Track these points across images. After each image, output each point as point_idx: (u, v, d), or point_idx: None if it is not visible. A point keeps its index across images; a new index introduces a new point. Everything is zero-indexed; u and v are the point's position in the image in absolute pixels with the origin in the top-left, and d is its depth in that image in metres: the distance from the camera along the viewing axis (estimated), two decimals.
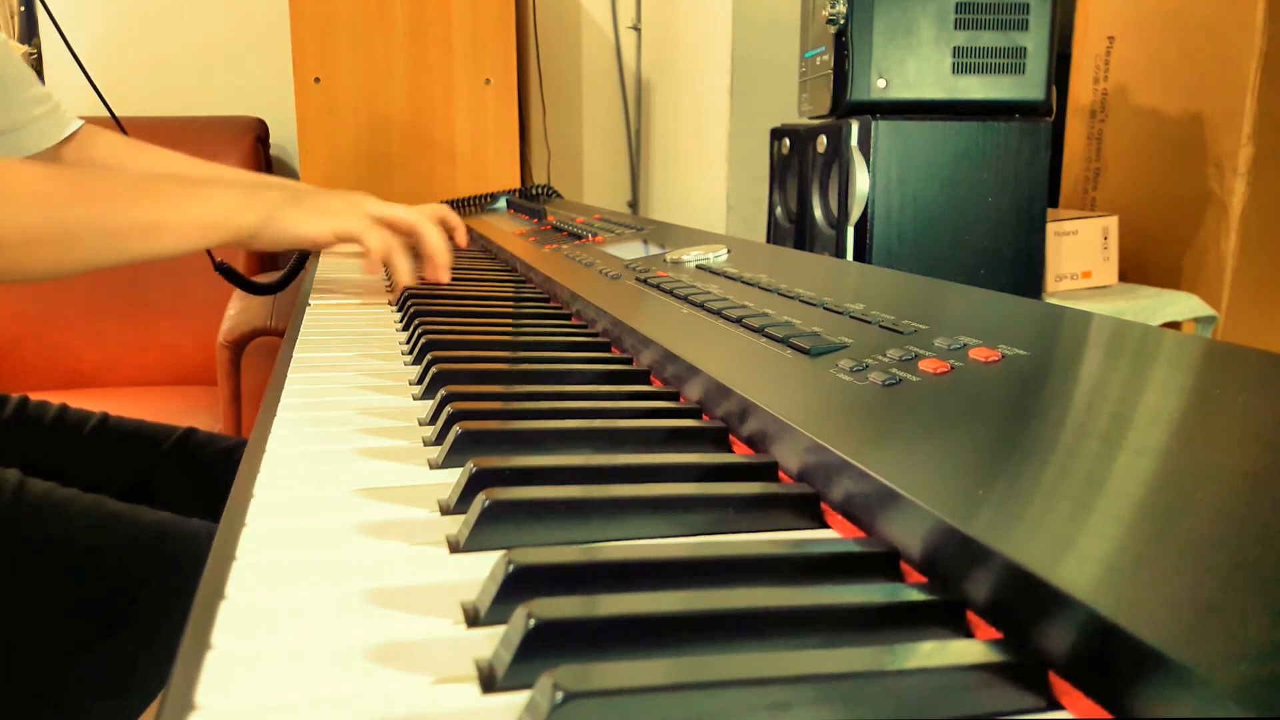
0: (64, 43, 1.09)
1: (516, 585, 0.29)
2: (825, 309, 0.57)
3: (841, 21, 1.27)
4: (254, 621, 0.29)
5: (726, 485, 0.39)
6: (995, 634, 0.28)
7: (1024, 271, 1.33)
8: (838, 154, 1.31)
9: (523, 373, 0.58)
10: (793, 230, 1.46)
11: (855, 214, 1.28)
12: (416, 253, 0.89)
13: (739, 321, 0.58)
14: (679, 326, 0.61)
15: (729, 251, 0.82)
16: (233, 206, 0.78)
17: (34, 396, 0.93)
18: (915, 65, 1.28)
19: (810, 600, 0.28)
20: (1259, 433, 0.32)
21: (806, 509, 0.38)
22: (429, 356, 0.59)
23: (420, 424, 0.50)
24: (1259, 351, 0.38)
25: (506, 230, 1.39)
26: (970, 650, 0.26)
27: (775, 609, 0.28)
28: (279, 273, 1.18)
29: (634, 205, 2.34)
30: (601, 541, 0.35)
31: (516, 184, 2.03)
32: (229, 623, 0.29)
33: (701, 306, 0.64)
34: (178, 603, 0.38)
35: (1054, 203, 1.66)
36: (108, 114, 1.13)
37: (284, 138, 2.17)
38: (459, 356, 0.61)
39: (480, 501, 0.34)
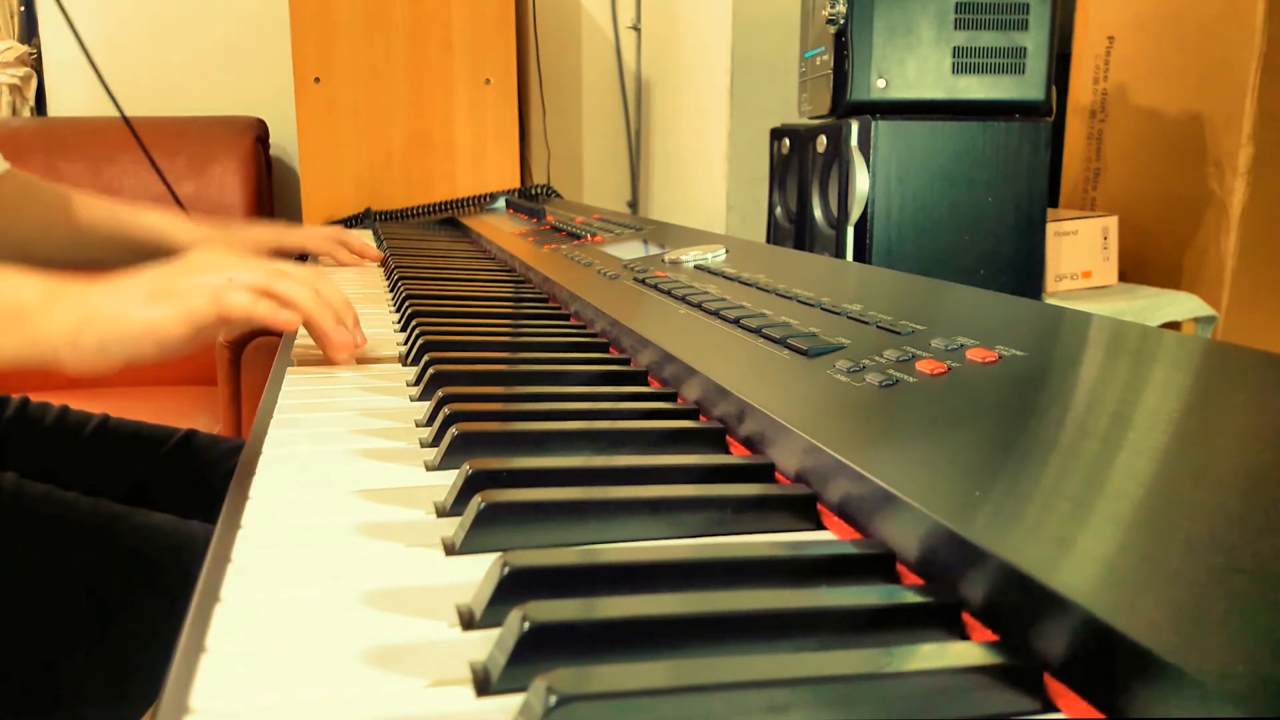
0: (78, 42, 1.09)
1: (512, 587, 0.29)
2: (823, 309, 0.57)
3: (841, 21, 1.27)
4: (249, 623, 0.29)
5: (723, 487, 0.39)
6: (991, 636, 0.28)
7: (1024, 271, 1.33)
8: (837, 154, 1.30)
9: (520, 373, 0.58)
10: (792, 230, 1.46)
11: (855, 214, 1.28)
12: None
13: (737, 322, 0.58)
14: (677, 327, 0.61)
15: (727, 252, 0.82)
16: (39, 300, 0.57)
17: (34, 398, 0.92)
18: (915, 65, 1.28)
19: (807, 602, 0.28)
20: (1259, 433, 0.32)
21: (803, 510, 0.38)
22: (426, 357, 0.59)
23: (417, 425, 0.50)
24: (1259, 351, 0.37)
25: (506, 230, 1.39)
26: (966, 652, 0.26)
27: (772, 611, 0.28)
28: None
29: (634, 205, 2.34)
30: (598, 543, 0.35)
31: (516, 184, 2.03)
32: (224, 625, 0.28)
33: (699, 307, 0.63)
34: (176, 606, 0.37)
35: (1054, 203, 1.66)
36: (116, 112, 1.13)
37: (284, 138, 2.17)
38: (456, 357, 0.61)
39: (476, 503, 0.34)
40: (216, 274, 0.59)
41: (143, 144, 1.23)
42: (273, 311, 0.59)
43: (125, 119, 1.14)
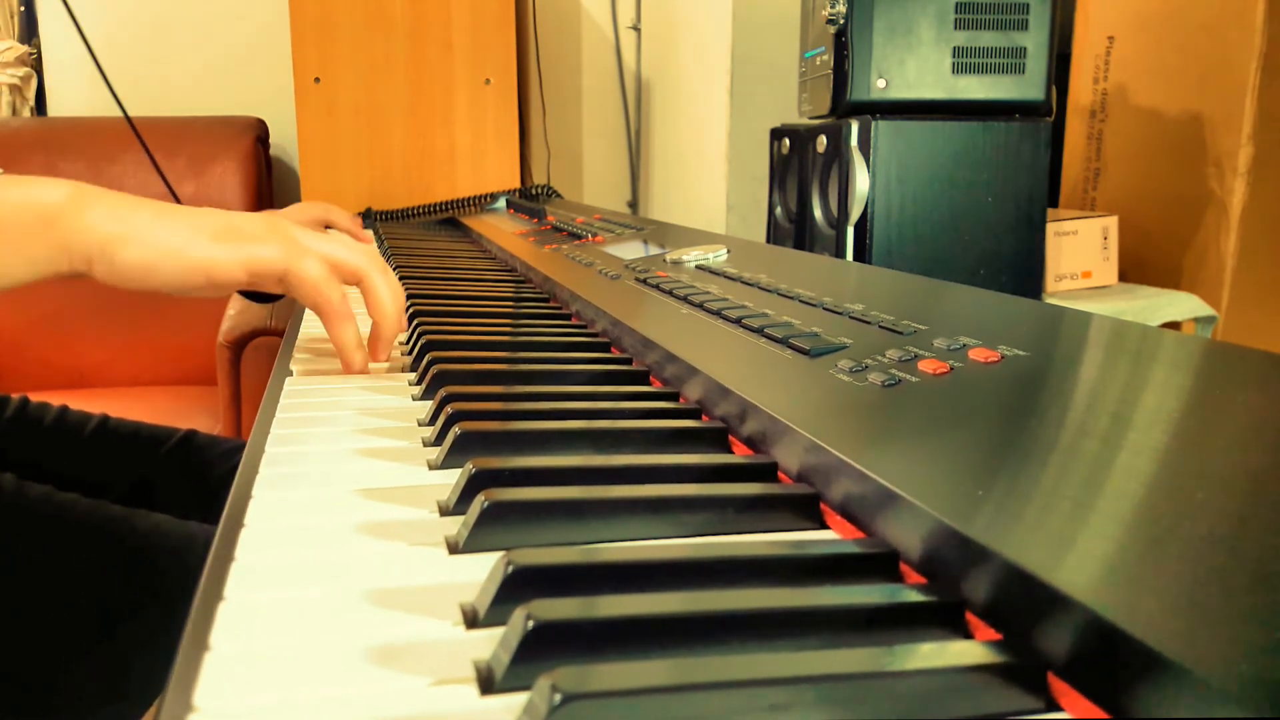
0: (83, 41, 1.09)
1: (516, 586, 0.29)
2: (825, 309, 0.57)
3: (841, 21, 1.27)
4: (253, 622, 0.29)
5: (726, 486, 0.38)
6: (994, 635, 0.28)
7: (1024, 271, 1.33)
8: (838, 154, 1.30)
9: (522, 373, 0.58)
10: (793, 230, 1.46)
11: (855, 214, 1.28)
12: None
13: (738, 322, 0.58)
14: (678, 327, 0.61)
15: (728, 251, 0.82)
16: (68, 201, 0.52)
17: (34, 397, 0.92)
18: (915, 65, 1.28)
19: (810, 601, 0.28)
20: (1259, 433, 0.32)
21: (806, 510, 0.38)
22: (428, 356, 0.59)
23: (420, 424, 0.50)
24: (1259, 351, 0.38)
25: (506, 230, 1.39)
26: (969, 651, 0.26)
27: (775, 610, 0.28)
28: None
29: (634, 205, 2.34)
30: (601, 542, 0.35)
31: (516, 184, 2.03)
32: (228, 624, 0.28)
33: (701, 307, 0.64)
34: (176, 606, 0.37)
35: (1054, 203, 1.66)
36: (115, 112, 1.13)
37: (284, 138, 2.17)
38: (458, 356, 0.61)
39: (479, 502, 0.34)
40: (289, 235, 0.57)
41: (144, 143, 1.23)
42: (337, 303, 0.57)
43: (127, 117, 1.14)
